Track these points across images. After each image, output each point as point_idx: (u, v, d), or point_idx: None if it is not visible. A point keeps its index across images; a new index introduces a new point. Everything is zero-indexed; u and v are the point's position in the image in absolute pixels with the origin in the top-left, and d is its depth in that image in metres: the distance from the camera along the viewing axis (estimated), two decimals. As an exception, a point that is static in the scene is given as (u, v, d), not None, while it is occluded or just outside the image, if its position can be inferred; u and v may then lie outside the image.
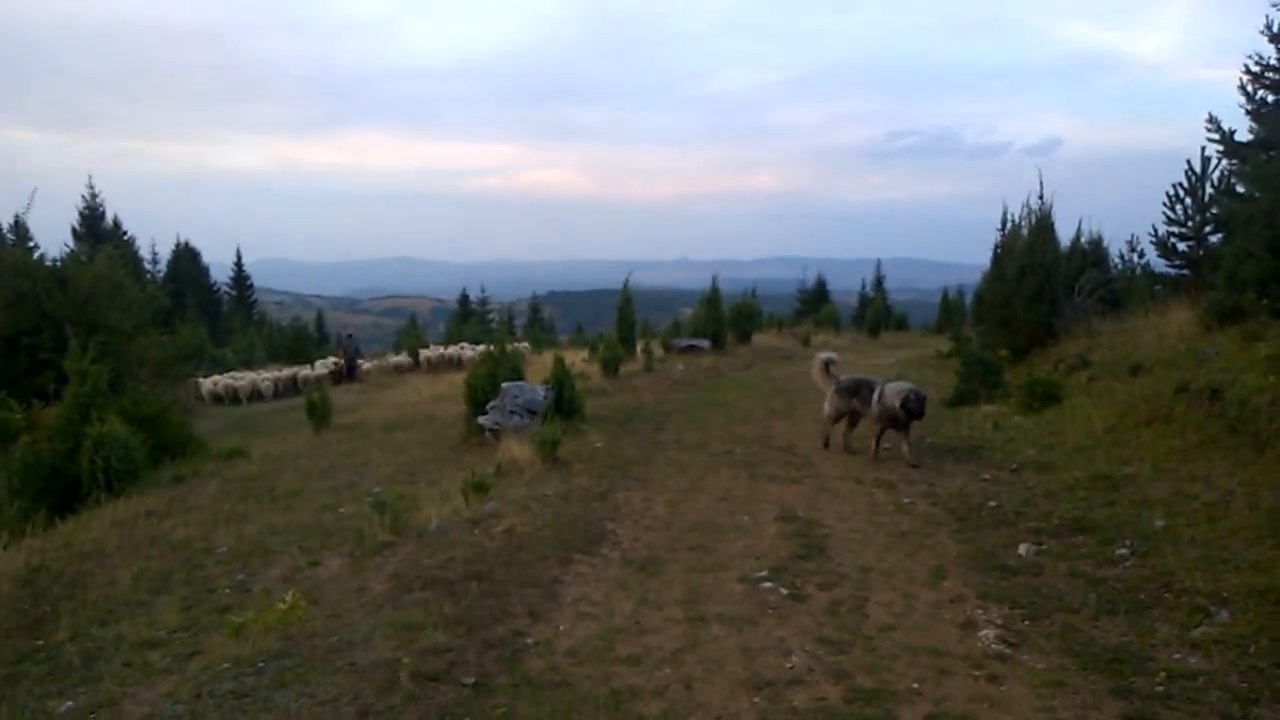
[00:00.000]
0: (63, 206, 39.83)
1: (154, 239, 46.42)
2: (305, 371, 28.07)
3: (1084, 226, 17.19)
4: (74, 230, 38.86)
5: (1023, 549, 5.94)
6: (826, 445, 9.91)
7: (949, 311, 33.78)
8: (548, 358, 18.68)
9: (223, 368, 31.49)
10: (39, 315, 20.35)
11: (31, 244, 24.79)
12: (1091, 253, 16.86)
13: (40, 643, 5.83)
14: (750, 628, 4.83)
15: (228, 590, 6.37)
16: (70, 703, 4.56)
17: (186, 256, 47.31)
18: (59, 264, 22.26)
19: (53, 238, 41.19)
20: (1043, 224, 14.61)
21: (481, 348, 24.30)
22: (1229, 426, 7.20)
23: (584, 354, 22.13)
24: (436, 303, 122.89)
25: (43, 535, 8.67)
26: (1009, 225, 15.40)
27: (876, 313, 33.75)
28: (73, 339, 11.74)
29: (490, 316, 50.79)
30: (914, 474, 8.50)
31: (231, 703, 4.02)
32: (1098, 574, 5.37)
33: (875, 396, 9.22)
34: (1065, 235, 15.97)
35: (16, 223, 28.31)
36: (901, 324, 35.80)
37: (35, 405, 18.38)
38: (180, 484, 10.60)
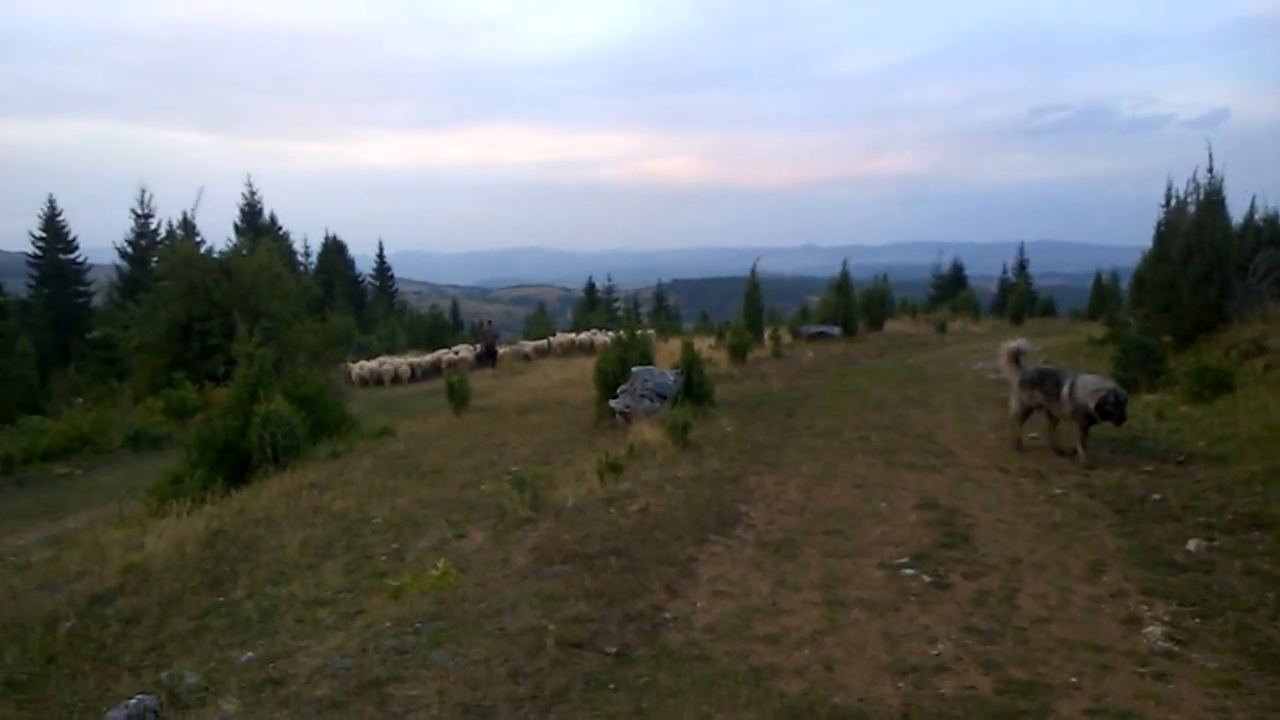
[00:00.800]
0: (223, 204, 42.84)
1: (305, 233, 49.37)
2: (448, 355, 29.28)
3: (1258, 203, 15.90)
4: (235, 225, 41.75)
5: (1192, 544, 5.56)
6: (1019, 447, 8.79)
7: (1101, 296, 31.88)
8: (673, 345, 18.80)
9: (368, 353, 33.21)
10: (208, 304, 22.05)
11: (199, 238, 26.82)
12: (1267, 230, 15.56)
13: (221, 599, 6.37)
14: (892, 614, 4.75)
15: (384, 557, 6.74)
16: (250, 654, 4.95)
17: (334, 249, 50.10)
18: (224, 256, 24.02)
19: (214, 232, 44.44)
20: (1212, 200, 13.58)
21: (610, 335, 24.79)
22: None
23: (710, 341, 22.13)
24: (563, 291, 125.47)
25: (220, 503, 9.45)
26: (1173, 203, 14.40)
27: (1019, 298, 32.25)
28: (240, 325, 12.63)
29: (616, 304, 51.52)
30: (1066, 464, 8.09)
31: (394, 658, 4.27)
32: (1276, 572, 4.99)
33: (1066, 390, 8.11)
34: (1237, 213, 14.75)
35: (185, 219, 30.66)
36: (1047, 310, 34.10)
37: (207, 386, 19.96)
38: (337, 459, 11.27)
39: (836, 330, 22.54)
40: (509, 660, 4.18)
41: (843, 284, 23.52)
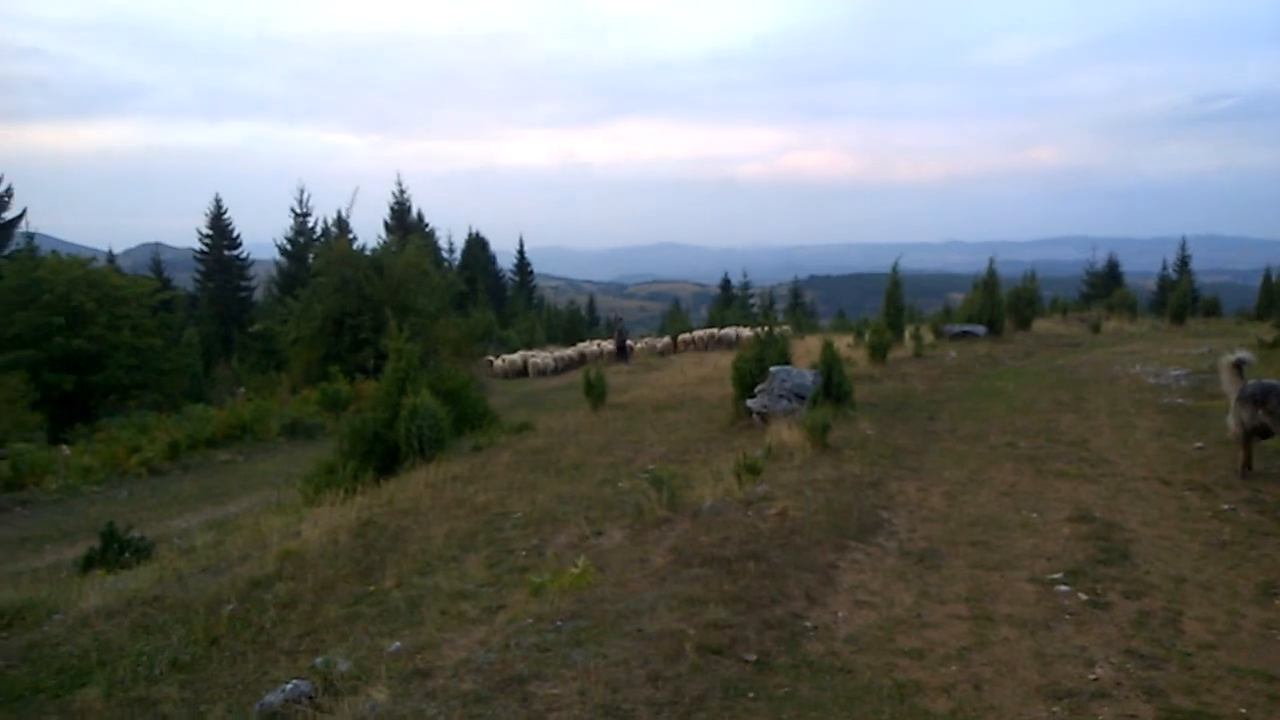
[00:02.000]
0: (374, 202, 45.15)
1: (450, 230, 51.43)
2: (591, 348, 30.21)
3: None
4: (385, 223, 43.93)
5: (1382, 572, 5.09)
6: (1246, 471, 7.58)
7: (1271, 295, 29.31)
8: (810, 343, 18.54)
9: (508, 348, 34.33)
10: (360, 299, 23.34)
11: (352, 236, 28.43)
12: None
13: (371, 588, 6.74)
14: (1045, 632, 4.55)
15: (524, 552, 6.98)
16: (398, 643, 5.22)
17: (477, 245, 51.95)
18: (375, 254, 25.34)
19: (366, 231, 47.04)
20: None
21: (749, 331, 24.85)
22: None
23: (848, 339, 21.69)
24: (698, 287, 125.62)
25: (370, 493, 9.99)
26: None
27: (1181, 297, 30.00)
28: (391, 320, 13.29)
29: (751, 301, 51.16)
30: (1234, 478, 7.52)
31: (535, 655, 4.43)
32: None
33: None
34: None
35: (339, 218, 32.56)
36: (1212, 309, 31.64)
37: (358, 378, 21.14)
38: (479, 453, 11.71)
39: (981, 330, 21.66)
40: (648, 664, 4.25)
41: (988, 281, 22.55)
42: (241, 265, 46.16)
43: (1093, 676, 4.03)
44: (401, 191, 44.75)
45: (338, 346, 23.30)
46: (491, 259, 54.01)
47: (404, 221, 43.80)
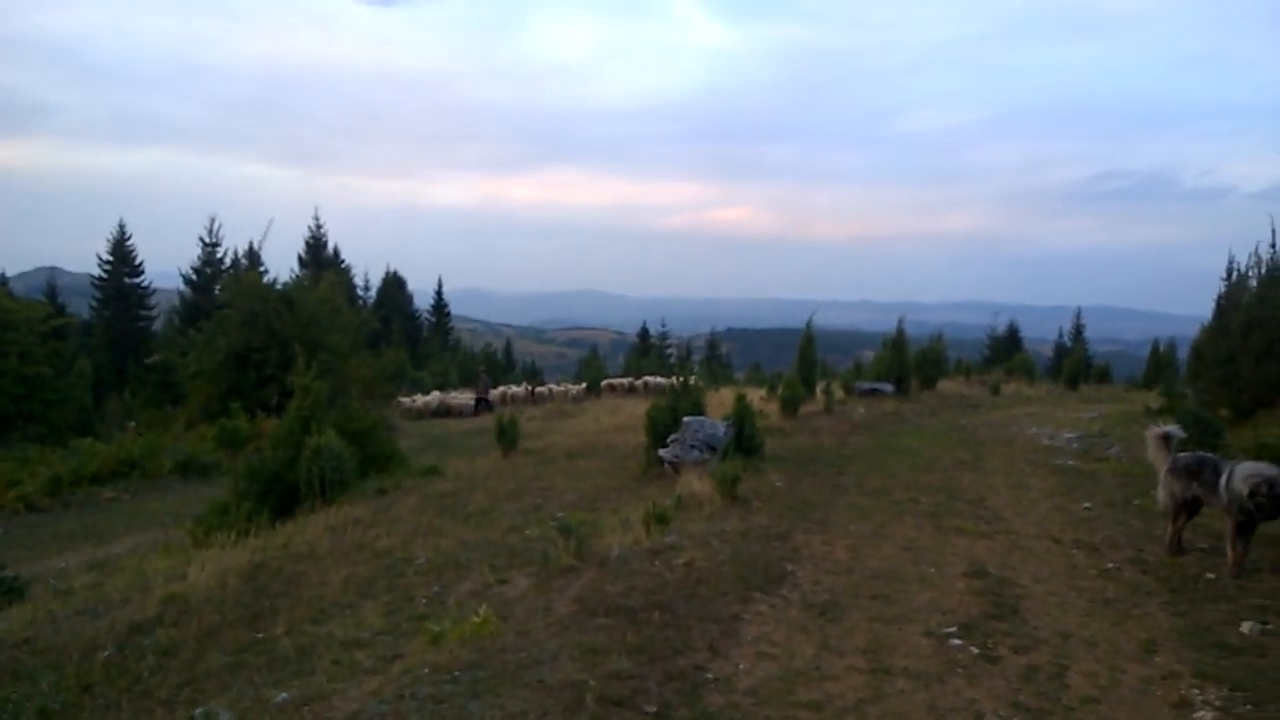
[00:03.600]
0: (289, 236, 44.14)
1: (367, 268, 50.52)
2: (454, 397, 30.82)
3: (1325, 276, 15.45)
4: (299, 258, 42.88)
5: (1245, 627, 5.38)
6: (1176, 550, 7.26)
7: (1158, 365, 31.14)
8: (725, 394, 18.76)
9: (421, 389, 33.77)
10: (268, 334, 22.64)
11: (263, 269, 27.68)
12: (1332, 307, 15.13)
13: (259, 635, 6.43)
14: (938, 685, 4.65)
15: (425, 600, 6.79)
16: (285, 694, 4.97)
17: (394, 284, 51.14)
18: (287, 288, 24.67)
19: (281, 264, 45.86)
20: (1274, 274, 13.31)
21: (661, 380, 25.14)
22: None
23: (762, 392, 22.04)
24: (617, 335, 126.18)
25: (265, 535, 9.59)
26: (1234, 276, 14.14)
27: (1075, 363, 31.64)
28: (299, 355, 12.91)
29: (668, 351, 51.62)
30: (1119, 537, 7.87)
31: (430, 707, 4.29)
32: (1337, 662, 4.79)
33: (1224, 479, 6.68)
34: (1299, 289, 14.41)
35: (251, 249, 31.68)
36: (1104, 376, 33.39)
37: (260, 416, 20.39)
38: (384, 496, 11.41)
39: (889, 387, 22.32)
40: (547, 715, 4.17)
41: (897, 341, 23.34)
42: (142, 294, 44.22)
43: (981, 729, 4.12)
44: (318, 226, 43.94)
45: (241, 382, 22.49)
46: (408, 298, 53.25)
47: (319, 257, 42.89)
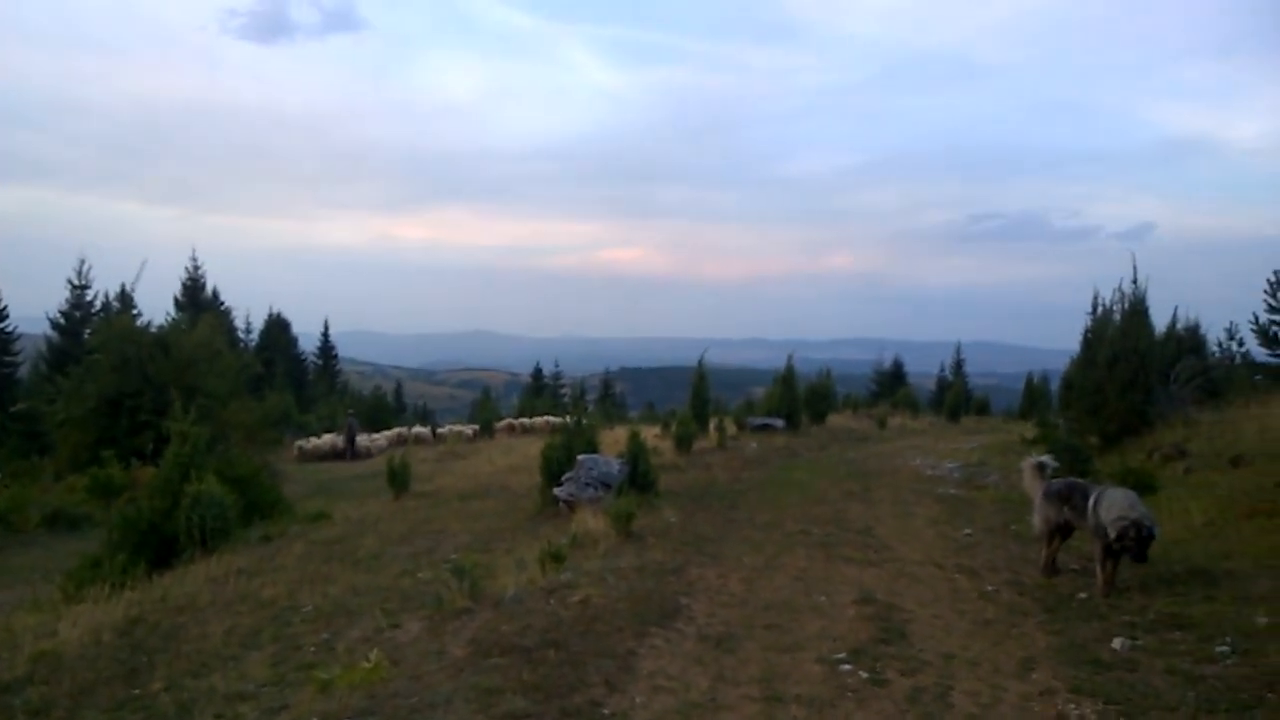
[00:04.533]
0: (168, 277, 42.06)
1: (249, 309, 48.48)
2: (311, 442, 30.09)
3: (1180, 313, 16.75)
4: (176, 300, 40.91)
5: (1116, 643, 5.70)
6: (1051, 572, 7.55)
7: (1033, 397, 32.91)
8: (619, 433, 18.82)
9: (307, 433, 32.63)
10: (141, 379, 21.48)
11: (136, 312, 26.31)
12: (1188, 340, 16.39)
13: (137, 691, 6.05)
14: (829, 710, 4.75)
15: (313, 648, 6.52)
16: (164, 751, 4.72)
17: (277, 327, 49.28)
18: (162, 331, 23.51)
19: (156, 307, 43.55)
20: (1136, 310, 14.29)
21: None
22: (1337, 523, 6.87)
23: (656, 430, 22.21)
24: (510, 376, 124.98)
25: (141, 588, 9.05)
26: (1100, 311, 15.13)
27: (956, 396, 33.12)
28: (175, 401, 12.32)
29: (562, 391, 51.44)
30: (998, 561, 8.24)
31: (319, 756, 4.13)
32: (1196, 671, 5.12)
33: (1091, 503, 6.96)
34: (1160, 322, 15.51)
35: (123, 292, 30.11)
36: (983, 409, 35.02)
37: (135, 464, 19.24)
38: (269, 543, 10.95)
39: (780, 423, 22.82)
40: (441, 757, 4.07)
41: (787, 378, 23.93)
42: (6, 339, 41.28)
43: (871, 750, 4.23)
44: (196, 267, 42.05)
45: (113, 429, 21.22)
46: (293, 341, 51.36)
47: (197, 299, 40.97)
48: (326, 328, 54.85)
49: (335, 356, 55.80)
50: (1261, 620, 5.68)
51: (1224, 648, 5.38)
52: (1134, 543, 6.41)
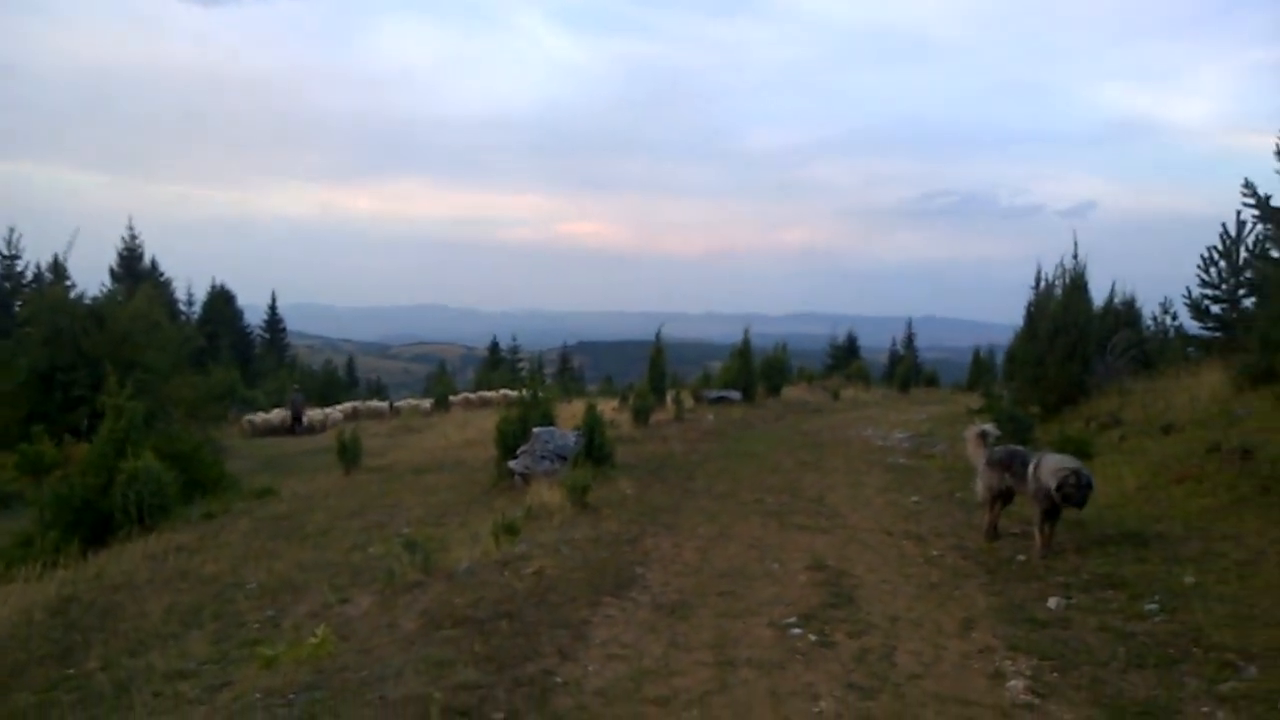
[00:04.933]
0: (104, 247, 40.80)
1: (190, 281, 47.11)
2: (259, 416, 29.73)
3: (1117, 288, 17.10)
4: (112, 271, 39.68)
5: (1052, 603, 5.87)
6: (993, 536, 7.77)
7: (980, 369, 33.53)
8: (577, 406, 18.79)
9: (254, 409, 32.05)
10: (75, 352, 20.81)
11: (69, 283, 25.47)
12: (1124, 313, 16.76)
13: (71, 671, 5.92)
14: (779, 672, 4.80)
15: (257, 625, 6.43)
16: (101, 730, 4.62)
17: (221, 299, 48.10)
18: (96, 303, 22.79)
19: (92, 278, 42.12)
20: (1076, 284, 14.59)
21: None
22: (1261, 486, 7.13)
23: (614, 403, 22.20)
24: (466, 350, 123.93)
25: (74, 567, 8.83)
26: (1042, 285, 15.42)
27: (907, 369, 33.64)
28: (110, 375, 11.97)
29: (520, 365, 51.12)
30: (943, 527, 8.40)
31: (263, 732, 4.06)
32: (1127, 628, 5.29)
33: (1031, 469, 7.21)
34: (1099, 296, 15.85)
35: (55, 262, 29.12)
36: (932, 381, 35.60)
37: (68, 440, 18.70)
38: (211, 521, 10.74)
39: (737, 395, 22.95)
40: (389, 730, 4.03)
41: (744, 351, 24.05)
42: (-69, 313, 39.78)
43: (817, 710, 4.29)
44: (133, 237, 40.73)
45: (45, 405, 20.56)
46: (238, 314, 50.15)
47: (134, 269, 39.72)
48: (274, 300, 53.74)
49: (283, 330, 54.69)
50: (1189, 579, 5.87)
51: (1153, 606, 5.56)
52: (1074, 489, 6.67)
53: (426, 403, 33.75)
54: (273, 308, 53.57)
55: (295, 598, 7.01)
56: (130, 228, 40.85)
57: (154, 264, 41.22)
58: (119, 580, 8.03)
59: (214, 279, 48.10)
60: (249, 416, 29.21)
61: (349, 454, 14.73)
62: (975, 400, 19.61)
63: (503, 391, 32.50)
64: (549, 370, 51.18)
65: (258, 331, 52.15)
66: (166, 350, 21.99)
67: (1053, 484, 6.77)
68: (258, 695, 4.55)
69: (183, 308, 44.07)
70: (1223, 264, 14.25)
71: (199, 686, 5.18)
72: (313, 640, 5.25)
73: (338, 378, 48.90)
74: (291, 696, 4.48)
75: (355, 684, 4.62)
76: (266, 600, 7.03)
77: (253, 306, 53.13)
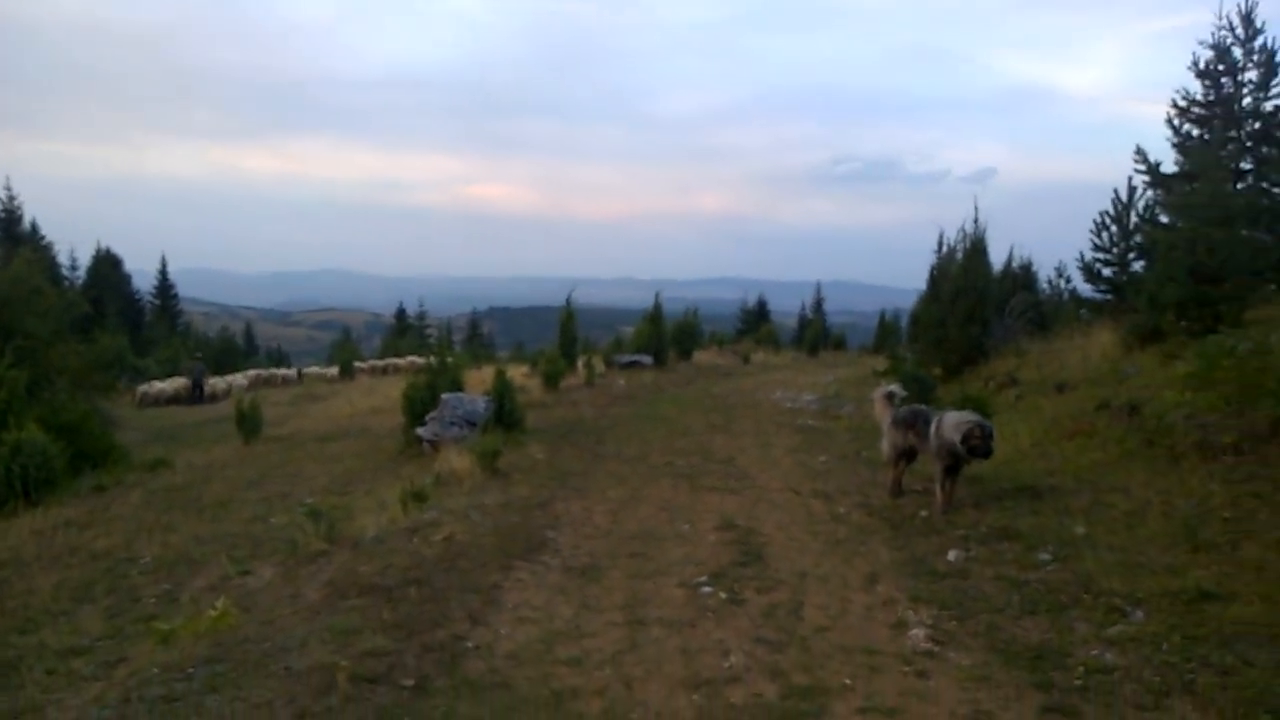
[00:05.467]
0: (-25, 210, 38.19)
1: (73, 245, 44.44)
2: (157, 386, 28.57)
3: (1015, 252, 17.74)
4: (-14, 234, 37.16)
5: (951, 555, 6.12)
6: (897, 493, 8.07)
7: (885, 332, 34.47)
8: (487, 372, 18.55)
9: (145, 377, 30.66)
10: (-52, 320, 19.46)
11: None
12: (1022, 277, 17.43)
13: (-47, 653, 5.57)
14: (689, 630, 4.88)
15: (153, 599, 6.18)
16: (-13, 711, 4.38)
17: (107, 263, 45.56)
18: (-30, 267, 21.31)
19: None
20: (976, 249, 15.04)
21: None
22: (1147, 440, 7.52)
23: (525, 369, 22.02)
24: (372, 316, 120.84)
25: (-47, 546, 8.30)
26: (944, 250, 15.86)
27: (815, 333, 34.33)
28: (-12, 343, 11.27)
29: (428, 331, 50.17)
30: (850, 485, 8.63)
31: (161, 707, 3.91)
32: (1021, 577, 5.56)
33: (933, 428, 7.47)
34: (998, 260, 16.38)
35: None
36: (840, 344, 36.43)
37: (-56, 413, 17.51)
38: (101, 494, 10.25)
39: (648, 360, 23.04)
40: (295, 701, 3.93)
41: (655, 315, 24.10)
42: None
43: (727, 665, 4.38)
44: (10, 198, 38.16)
45: (-85, 377, 19.25)
46: (126, 279, 47.57)
47: (12, 232, 37.23)
48: (164, 265, 51.12)
49: (175, 296, 52.18)
50: (1080, 530, 6.19)
51: (1046, 555, 5.85)
52: (980, 440, 6.95)
53: (332, 370, 32.89)
54: (163, 272, 51.01)
55: (193, 571, 6.76)
56: (8, 188, 38.21)
57: (34, 227, 38.70)
58: (4, 557, 7.59)
59: (99, 242, 45.50)
60: (143, 387, 27.86)
61: (248, 423, 14.22)
62: (881, 363, 20.20)
63: (410, 359, 31.90)
64: (458, 337, 50.39)
65: (148, 298, 49.66)
66: (48, 317, 20.74)
67: (958, 438, 7.02)
68: (155, 670, 4.38)
69: (66, 273, 41.54)
70: (1114, 228, 14.92)
71: (93, 663, 4.95)
72: (212, 613, 5.07)
73: (235, 345, 47.14)
74: (191, 670, 4.32)
75: (258, 656, 4.49)
76: (162, 574, 6.76)
77: (142, 272, 50.52)
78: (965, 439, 6.98)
